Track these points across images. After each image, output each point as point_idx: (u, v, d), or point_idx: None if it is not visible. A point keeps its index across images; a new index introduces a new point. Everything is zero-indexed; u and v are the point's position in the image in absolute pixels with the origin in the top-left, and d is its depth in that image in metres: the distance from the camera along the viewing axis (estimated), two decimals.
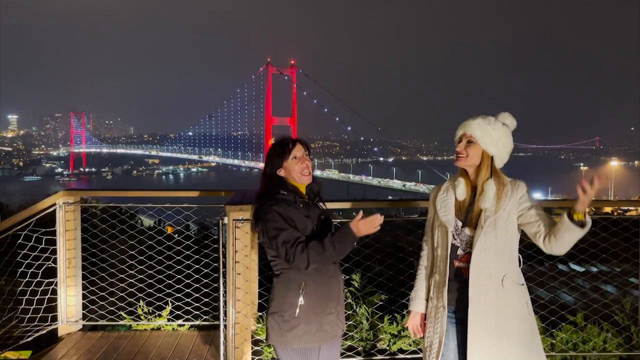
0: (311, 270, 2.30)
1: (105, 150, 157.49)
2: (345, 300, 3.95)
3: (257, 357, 3.76)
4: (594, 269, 5.69)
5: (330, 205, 3.79)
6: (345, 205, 3.98)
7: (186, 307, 4.31)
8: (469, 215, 2.35)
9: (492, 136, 2.33)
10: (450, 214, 2.38)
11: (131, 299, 4.38)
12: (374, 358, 3.82)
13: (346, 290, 4.05)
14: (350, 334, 3.92)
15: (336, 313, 2.44)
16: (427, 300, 2.52)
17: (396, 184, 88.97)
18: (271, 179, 2.42)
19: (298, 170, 2.42)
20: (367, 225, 2.24)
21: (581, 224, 2.16)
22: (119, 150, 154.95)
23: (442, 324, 2.38)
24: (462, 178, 2.39)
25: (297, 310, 2.34)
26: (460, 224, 2.37)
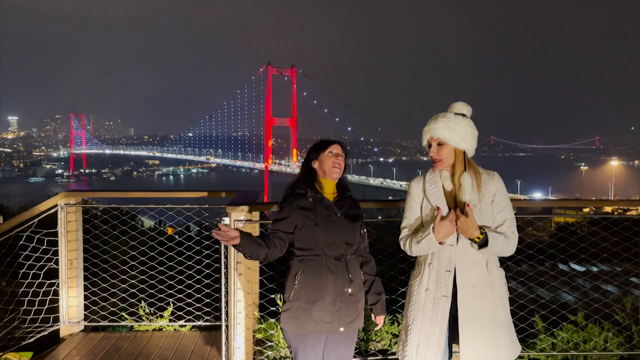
0: (308, 260, 2.50)
1: (108, 151, 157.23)
2: None
3: (258, 358, 3.76)
4: (595, 269, 5.70)
5: None
6: None
7: (188, 308, 4.32)
8: (457, 206, 2.39)
9: (459, 132, 2.39)
10: (444, 205, 2.40)
11: (133, 300, 4.39)
12: (374, 358, 3.83)
13: None
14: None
15: (335, 309, 2.50)
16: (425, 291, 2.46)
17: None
18: (305, 169, 2.61)
19: (330, 164, 2.57)
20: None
21: (484, 242, 2.31)
22: (122, 152, 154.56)
23: (443, 313, 2.36)
24: (446, 171, 2.44)
25: (292, 294, 2.50)
26: None
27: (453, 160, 2.41)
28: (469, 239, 2.33)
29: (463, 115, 2.44)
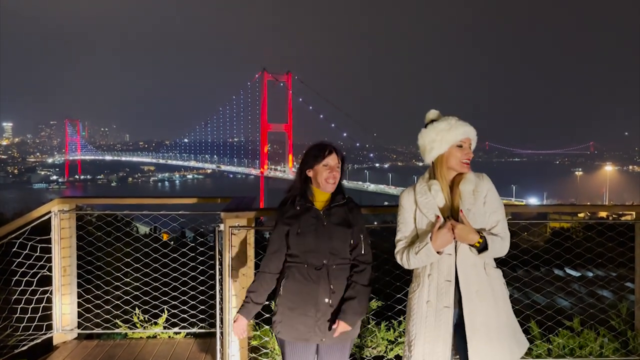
0: (292, 267, 2.52)
1: (108, 157, 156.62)
2: None
3: None
4: (590, 274, 5.70)
5: None
6: None
7: (182, 315, 4.29)
8: (452, 214, 2.39)
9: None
10: (438, 214, 2.38)
11: (127, 307, 4.36)
12: None
13: None
14: None
15: (315, 319, 2.47)
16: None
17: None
18: (299, 175, 2.60)
19: (324, 177, 2.52)
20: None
21: (484, 246, 2.31)
22: (124, 158, 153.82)
23: (447, 325, 2.33)
24: (436, 181, 2.43)
25: (277, 299, 2.55)
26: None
27: None
28: (469, 244, 2.32)
29: None
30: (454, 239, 2.32)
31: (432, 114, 2.50)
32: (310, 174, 2.56)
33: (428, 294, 2.39)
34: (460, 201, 2.37)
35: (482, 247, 2.30)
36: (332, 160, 2.53)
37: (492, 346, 2.31)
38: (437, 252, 2.33)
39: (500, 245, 2.34)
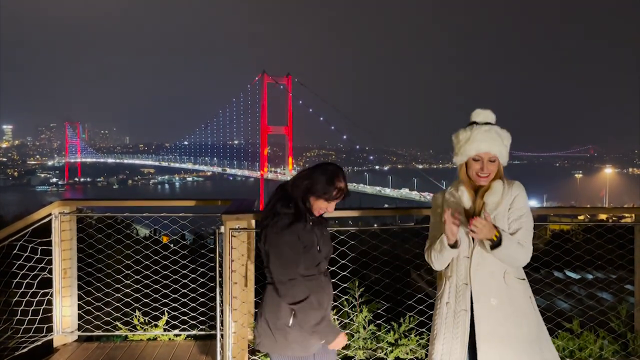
0: (311, 282, 2.42)
1: (109, 160, 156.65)
2: (342, 310, 3.95)
3: None
4: (590, 276, 5.71)
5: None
6: (342, 213, 3.98)
7: (183, 317, 4.29)
8: (474, 214, 2.37)
9: (507, 147, 2.38)
10: (462, 216, 2.37)
11: (127, 309, 4.36)
12: None
13: (343, 298, 4.04)
14: (348, 342, 3.91)
15: (329, 321, 2.51)
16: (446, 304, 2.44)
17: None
18: (302, 196, 2.46)
19: (318, 209, 2.50)
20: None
21: (498, 242, 2.24)
22: (127, 161, 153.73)
23: (464, 327, 2.34)
24: (464, 186, 2.41)
25: (291, 320, 2.41)
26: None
27: (495, 174, 2.37)
28: (485, 239, 2.25)
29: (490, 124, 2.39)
30: (472, 240, 2.31)
31: (475, 114, 2.41)
32: (311, 197, 2.47)
33: (448, 295, 2.42)
34: (483, 211, 2.33)
35: (497, 243, 2.22)
36: (337, 199, 2.50)
37: (503, 355, 2.28)
38: (451, 247, 2.29)
39: (516, 250, 2.26)
